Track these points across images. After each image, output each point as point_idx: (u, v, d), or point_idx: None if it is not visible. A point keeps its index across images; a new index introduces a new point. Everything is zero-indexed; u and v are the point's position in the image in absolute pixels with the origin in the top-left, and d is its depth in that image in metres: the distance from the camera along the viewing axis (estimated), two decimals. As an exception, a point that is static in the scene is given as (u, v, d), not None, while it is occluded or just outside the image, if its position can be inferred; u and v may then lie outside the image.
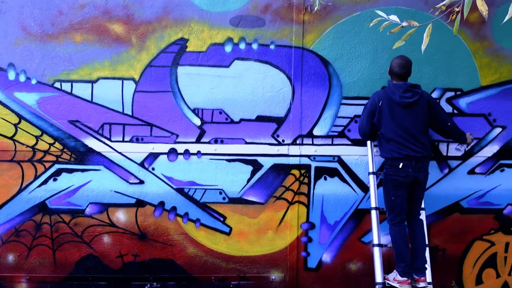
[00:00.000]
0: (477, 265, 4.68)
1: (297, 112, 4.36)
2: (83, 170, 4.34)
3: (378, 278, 4.02)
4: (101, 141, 4.31)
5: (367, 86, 4.33)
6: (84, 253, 4.44)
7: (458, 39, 4.31)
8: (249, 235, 4.50)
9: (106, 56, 4.23)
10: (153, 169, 4.37)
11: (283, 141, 4.39)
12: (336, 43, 4.30)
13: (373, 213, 4.13)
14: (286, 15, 4.25)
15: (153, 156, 4.35)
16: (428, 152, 3.96)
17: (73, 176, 4.34)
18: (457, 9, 2.78)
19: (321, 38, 4.29)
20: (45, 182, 4.32)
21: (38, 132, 4.28)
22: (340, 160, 4.43)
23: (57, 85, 4.24)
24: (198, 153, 4.36)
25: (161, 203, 4.41)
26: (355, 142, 4.41)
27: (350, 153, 4.41)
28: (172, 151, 4.35)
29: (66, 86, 4.24)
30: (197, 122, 4.33)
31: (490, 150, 4.50)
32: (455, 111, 4.41)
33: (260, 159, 4.40)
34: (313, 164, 4.43)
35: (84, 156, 4.32)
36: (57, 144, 4.30)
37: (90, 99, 4.26)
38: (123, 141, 4.32)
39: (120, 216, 4.41)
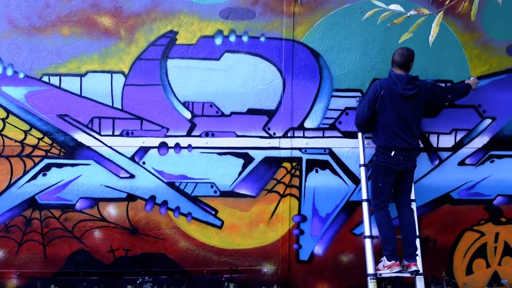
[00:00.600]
0: (468, 255, 4.72)
1: (288, 105, 4.34)
2: (72, 165, 4.30)
3: (370, 269, 4.04)
4: (90, 135, 4.27)
5: (357, 78, 4.33)
6: (75, 248, 4.41)
7: (448, 31, 4.32)
8: (241, 228, 4.49)
9: (94, 49, 4.18)
10: (143, 163, 4.34)
11: (274, 134, 4.37)
12: (326, 35, 4.28)
13: (364, 205, 4.15)
14: (276, 7, 4.23)
15: (144, 150, 4.32)
16: (418, 143, 4.09)
17: (62, 170, 4.30)
18: None
19: (312, 30, 4.27)
20: (34, 177, 4.28)
21: (26, 127, 4.23)
22: (331, 153, 4.43)
23: (45, 79, 4.18)
24: (189, 147, 4.34)
25: (152, 197, 4.39)
26: (346, 135, 4.41)
27: (341, 146, 4.42)
28: (163, 145, 4.33)
29: (55, 80, 4.19)
30: (188, 115, 4.30)
31: (480, 141, 4.52)
32: (445, 103, 4.42)
33: (251, 152, 4.38)
34: (305, 157, 4.43)
35: (73, 151, 4.28)
36: (46, 139, 4.25)
37: (79, 93, 4.21)
38: (113, 135, 4.28)
39: (111, 211, 4.39)
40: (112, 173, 4.33)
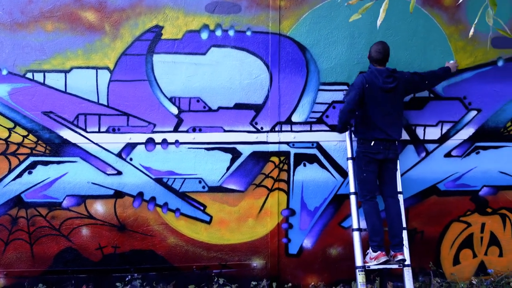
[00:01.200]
0: (454, 246, 4.77)
1: (275, 99, 4.34)
2: (58, 162, 4.25)
3: (358, 262, 4.07)
4: (76, 132, 4.22)
5: (344, 71, 4.34)
6: (62, 246, 4.37)
7: (433, 23, 4.34)
8: (229, 223, 4.49)
9: (79, 45, 4.12)
10: (130, 159, 4.31)
11: (261, 128, 4.37)
12: (313, 28, 4.28)
13: (352, 198, 4.17)
14: (262, 1, 4.21)
15: (131, 146, 4.29)
16: (399, 135, 4.13)
17: (48, 168, 4.25)
18: None
19: (298, 23, 4.26)
20: (20, 175, 4.23)
21: (10, 124, 4.17)
22: (319, 146, 4.44)
23: (29, 75, 4.12)
24: (176, 142, 4.32)
25: (140, 194, 4.37)
26: (334, 128, 4.42)
27: (329, 139, 4.43)
28: (150, 141, 4.30)
29: (39, 77, 4.13)
30: (175, 111, 4.28)
31: (466, 133, 4.56)
32: (431, 95, 4.46)
33: (239, 147, 4.38)
34: (292, 151, 4.43)
35: (59, 148, 4.23)
36: (31, 136, 4.20)
37: (63, 90, 4.16)
38: (99, 131, 4.24)
39: (99, 208, 4.35)
40: (99, 170, 4.29)
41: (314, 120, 4.40)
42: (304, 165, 4.45)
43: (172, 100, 4.26)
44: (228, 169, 4.40)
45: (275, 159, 4.42)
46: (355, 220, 4.13)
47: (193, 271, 4.53)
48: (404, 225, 4.17)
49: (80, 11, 4.09)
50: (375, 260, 4.04)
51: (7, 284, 4.36)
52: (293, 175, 4.46)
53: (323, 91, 4.37)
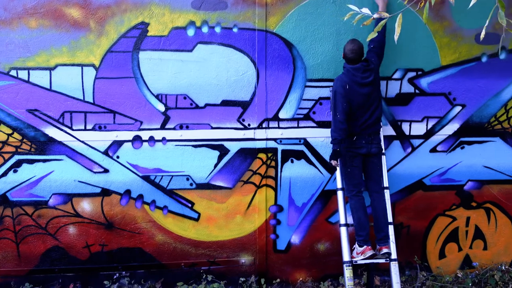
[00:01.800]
0: (440, 240, 4.84)
1: (262, 96, 4.34)
2: (44, 161, 4.22)
3: (346, 257, 4.10)
4: (62, 130, 4.19)
5: (330, 68, 4.35)
6: (49, 245, 4.34)
7: (418, 20, 4.37)
8: (217, 220, 4.50)
9: (64, 42, 4.08)
10: (117, 157, 4.28)
11: (249, 125, 4.37)
12: (299, 25, 4.28)
13: (339, 194, 4.21)
14: (248, -2, 4.21)
15: (117, 144, 4.27)
16: (379, 126, 4.17)
17: (34, 167, 4.21)
18: None
19: (284, 20, 4.27)
20: (4, 174, 4.19)
21: (-5, 123, 4.13)
22: (306, 143, 4.46)
23: (13, 73, 4.07)
24: (163, 140, 4.30)
25: (127, 191, 4.35)
26: (321, 124, 4.44)
27: (316, 135, 4.45)
28: (137, 138, 4.28)
29: (23, 74, 4.08)
30: (161, 108, 4.26)
31: (451, 128, 4.62)
32: (417, 91, 4.50)
33: (227, 144, 4.38)
34: (280, 147, 4.44)
35: (45, 146, 4.19)
36: (15, 135, 4.15)
37: (48, 87, 4.12)
38: (85, 129, 4.21)
39: (85, 206, 4.33)
40: (85, 168, 4.26)
41: (301, 116, 4.42)
42: (292, 161, 4.47)
43: (158, 97, 4.24)
44: (215, 166, 4.40)
45: (262, 155, 4.43)
46: (342, 215, 4.16)
47: (182, 268, 4.53)
48: (391, 219, 4.21)
49: (64, 7, 4.05)
50: (362, 254, 4.08)
51: (-7, 284, 4.33)
52: (281, 171, 4.48)
53: (310, 87, 4.39)
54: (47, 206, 4.28)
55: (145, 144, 4.29)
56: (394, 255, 4.14)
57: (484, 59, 4.52)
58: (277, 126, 4.40)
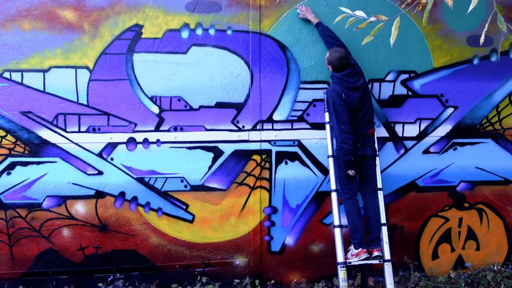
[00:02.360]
0: (433, 240, 4.87)
1: (256, 98, 4.36)
2: (38, 163, 4.20)
3: (340, 258, 4.12)
4: (56, 132, 4.18)
5: (324, 70, 4.37)
6: (43, 248, 4.33)
7: (411, 22, 4.41)
8: (212, 222, 4.50)
9: (57, 44, 4.07)
10: (112, 159, 4.28)
11: (243, 127, 4.39)
12: (293, 27, 4.31)
13: (333, 195, 4.22)
14: (242, 0, 4.22)
15: (112, 146, 4.26)
16: (372, 126, 4.19)
17: (28, 169, 4.20)
18: (423, 1, 2.85)
19: (278, 22, 4.29)
20: (-2, 176, 4.18)
21: (-12, 125, 4.11)
22: (300, 144, 4.48)
23: (7, 75, 4.06)
24: (158, 142, 4.31)
25: (122, 194, 4.34)
26: (314, 126, 4.46)
27: (310, 137, 4.47)
28: (131, 140, 4.28)
29: (16, 76, 4.07)
30: (156, 110, 4.26)
31: (443, 129, 4.66)
32: (409, 93, 4.53)
33: (221, 146, 4.39)
34: (274, 149, 4.46)
35: (38, 148, 4.18)
36: (9, 137, 4.14)
37: (42, 89, 4.11)
38: (79, 131, 4.20)
39: (79, 208, 4.32)
40: (79, 170, 4.25)
41: (295, 118, 4.44)
42: (286, 163, 4.49)
43: (153, 99, 4.24)
44: (210, 168, 4.40)
45: (257, 157, 4.45)
46: (336, 217, 4.18)
47: (176, 270, 4.53)
48: (384, 221, 4.24)
49: (58, 9, 4.05)
50: (356, 257, 4.10)
51: (-14, 287, 4.31)
52: (275, 173, 4.49)
53: (303, 89, 4.41)
54: (40, 208, 4.26)
55: (140, 146, 4.29)
56: (387, 256, 4.16)
57: (475, 61, 4.57)
58: (271, 128, 4.42)
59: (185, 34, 4.20)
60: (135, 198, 4.37)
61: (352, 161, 4.01)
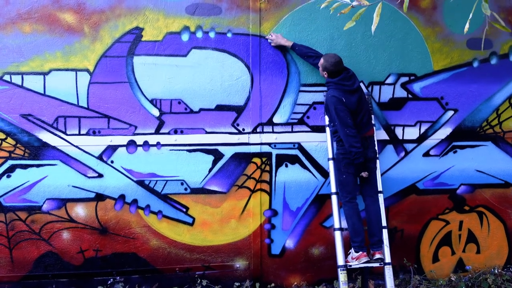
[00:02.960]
0: (434, 243, 4.86)
1: (257, 100, 4.36)
2: (38, 166, 4.20)
3: (340, 261, 4.11)
4: (56, 135, 4.18)
5: (324, 73, 4.38)
6: (42, 251, 4.32)
7: (410, 25, 4.42)
8: (212, 224, 4.50)
9: (58, 47, 4.08)
10: (112, 162, 4.28)
11: (243, 129, 4.38)
12: (293, 30, 4.31)
13: (334, 198, 4.22)
14: (242, 3, 4.23)
15: (112, 149, 4.26)
16: (371, 127, 4.20)
17: (28, 172, 4.19)
18: None
19: (278, 25, 4.30)
20: (-2, 179, 4.17)
21: (-12, 128, 4.11)
22: (300, 147, 4.48)
23: (7, 77, 4.06)
24: (158, 144, 4.30)
25: (122, 196, 4.34)
26: (315, 129, 4.46)
27: (310, 140, 4.47)
28: (131, 143, 4.27)
29: (17, 79, 4.07)
30: (156, 113, 4.26)
31: (444, 132, 4.66)
32: (409, 96, 4.53)
33: (221, 149, 4.39)
34: (274, 152, 4.46)
35: (38, 151, 4.18)
36: (9, 140, 4.14)
37: (42, 92, 4.11)
38: (79, 134, 4.20)
39: (79, 211, 4.31)
40: (79, 173, 4.25)
41: (295, 121, 4.44)
42: (286, 165, 4.48)
43: (153, 102, 4.24)
44: (210, 170, 4.40)
45: (257, 160, 4.44)
46: (337, 219, 4.18)
47: (176, 273, 4.52)
48: (385, 224, 4.24)
49: (59, 12, 4.05)
50: (357, 260, 4.10)
51: (-15, 290, 4.30)
52: (275, 176, 4.49)
53: (304, 92, 4.41)
54: (40, 211, 4.26)
55: (140, 148, 4.29)
56: (388, 259, 4.16)
57: (475, 64, 4.58)
58: (271, 130, 4.42)
59: (185, 37, 4.21)
60: (135, 201, 4.36)
61: (362, 163, 4.01)
